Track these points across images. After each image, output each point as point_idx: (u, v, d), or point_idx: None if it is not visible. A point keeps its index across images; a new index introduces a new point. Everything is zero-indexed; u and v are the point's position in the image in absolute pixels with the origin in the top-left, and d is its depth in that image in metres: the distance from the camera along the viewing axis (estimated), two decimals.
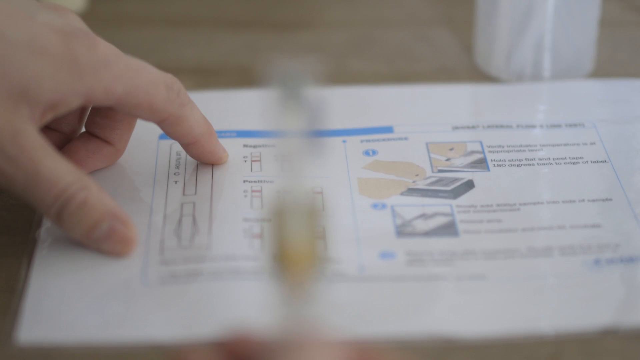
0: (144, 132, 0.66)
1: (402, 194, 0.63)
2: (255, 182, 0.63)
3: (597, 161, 0.66)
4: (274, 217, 0.40)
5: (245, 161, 0.65)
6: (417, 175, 0.65)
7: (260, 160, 0.65)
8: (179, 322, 0.53)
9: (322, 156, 0.40)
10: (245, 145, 0.67)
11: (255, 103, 0.71)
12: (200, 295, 0.55)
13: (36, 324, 0.54)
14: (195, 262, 0.57)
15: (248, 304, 0.54)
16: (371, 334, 0.53)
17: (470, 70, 0.78)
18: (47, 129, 0.60)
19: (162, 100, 0.57)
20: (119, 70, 0.56)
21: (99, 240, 0.56)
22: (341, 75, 0.77)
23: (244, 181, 0.63)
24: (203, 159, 0.62)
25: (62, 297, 0.55)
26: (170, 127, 0.59)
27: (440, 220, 0.61)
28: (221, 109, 0.69)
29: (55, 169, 0.54)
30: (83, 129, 0.63)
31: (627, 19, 0.85)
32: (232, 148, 0.66)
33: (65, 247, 0.58)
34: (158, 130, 0.64)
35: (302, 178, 0.40)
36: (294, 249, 0.40)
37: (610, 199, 0.63)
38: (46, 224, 0.60)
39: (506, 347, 0.53)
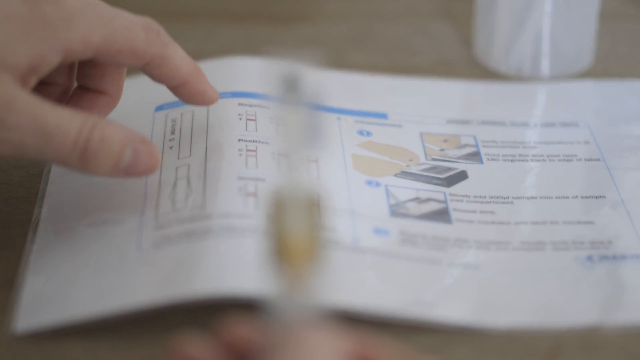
0: (141, 105, 0.66)
1: (395, 175, 0.64)
2: (250, 141, 0.62)
3: (590, 159, 0.66)
4: (272, 210, 0.40)
5: (240, 119, 0.64)
6: (410, 160, 0.65)
7: (255, 120, 0.64)
8: (173, 283, 0.53)
9: (320, 145, 0.40)
10: (240, 104, 0.66)
11: (253, 70, 0.70)
12: (194, 254, 0.54)
13: (34, 312, 0.53)
14: (189, 222, 0.57)
15: (242, 262, 0.54)
16: (358, 305, 0.53)
17: (469, 63, 0.78)
18: (43, 85, 0.60)
19: (142, 42, 0.57)
20: (91, 20, 0.55)
21: (128, 167, 0.55)
22: (339, 67, 0.76)
23: (239, 140, 0.62)
24: (194, 100, 0.61)
25: (59, 281, 0.55)
26: (156, 69, 0.58)
27: (433, 206, 0.61)
28: (216, 74, 0.68)
29: (61, 119, 0.53)
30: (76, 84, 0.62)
31: (628, 12, 0.85)
32: (226, 106, 0.65)
33: (62, 233, 0.58)
34: (154, 102, 0.64)
35: (301, 172, 0.40)
36: (293, 241, 0.40)
37: (603, 197, 0.63)
38: (44, 213, 0.59)
39: (506, 339, 0.53)
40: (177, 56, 0.59)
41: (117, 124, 0.55)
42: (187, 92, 0.60)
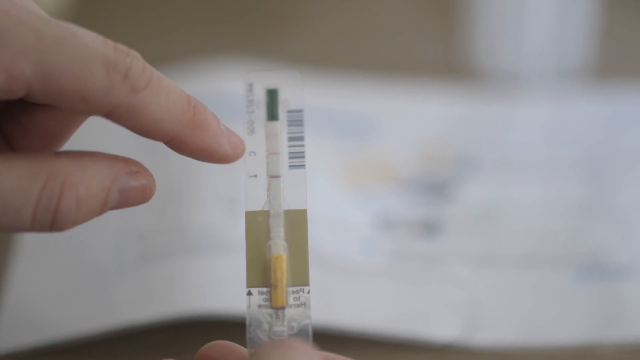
0: None
1: (385, 185, 0.63)
2: None
3: (582, 173, 0.66)
4: (253, 226, 0.40)
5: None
6: (398, 171, 0.65)
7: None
8: (153, 302, 0.53)
9: (301, 159, 0.39)
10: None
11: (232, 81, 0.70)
12: (175, 273, 0.54)
13: (13, 332, 0.53)
14: (169, 239, 0.56)
15: (223, 280, 0.53)
16: (344, 323, 0.53)
17: (455, 64, 0.78)
18: None
19: (98, 83, 0.39)
20: (23, 43, 0.38)
21: (114, 207, 0.42)
22: (323, 65, 0.76)
23: None
24: (198, 159, 0.43)
25: (38, 301, 0.54)
26: (122, 122, 0.40)
27: (423, 218, 0.61)
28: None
29: (19, 179, 0.39)
30: None
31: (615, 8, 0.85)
32: None
33: (41, 253, 0.57)
34: None
35: (281, 186, 0.39)
36: (275, 258, 0.39)
37: (596, 212, 0.62)
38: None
39: (496, 357, 0.53)
40: (157, 104, 0.41)
41: (93, 160, 0.41)
42: (181, 150, 0.42)
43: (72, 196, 0.39)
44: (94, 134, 0.54)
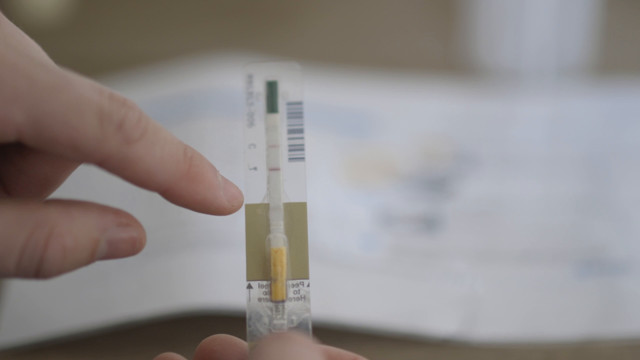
0: None
1: (385, 180, 0.63)
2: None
3: (582, 168, 0.66)
4: (253, 220, 0.40)
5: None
6: (399, 167, 0.65)
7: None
8: (154, 297, 0.53)
9: (301, 152, 0.39)
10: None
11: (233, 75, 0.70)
12: (175, 267, 0.54)
13: (15, 327, 0.53)
14: (169, 233, 0.56)
15: (223, 275, 0.53)
16: (345, 318, 0.53)
17: (455, 61, 0.78)
18: None
19: (91, 134, 0.39)
20: (16, 89, 0.38)
21: (106, 258, 0.42)
22: (326, 60, 0.76)
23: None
24: (194, 209, 0.42)
25: (40, 295, 0.54)
26: (115, 172, 0.40)
27: (423, 213, 0.61)
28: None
29: (4, 225, 0.38)
30: None
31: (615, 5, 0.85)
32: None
33: None
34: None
35: (282, 192, 0.39)
36: (274, 252, 0.39)
37: (596, 207, 0.62)
38: None
39: (495, 352, 0.53)
40: (151, 156, 0.40)
41: (83, 210, 0.40)
42: (176, 201, 0.42)
43: (58, 246, 0.39)
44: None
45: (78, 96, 0.38)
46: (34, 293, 0.55)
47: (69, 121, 0.38)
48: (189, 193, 0.41)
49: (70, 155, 0.39)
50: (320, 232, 0.58)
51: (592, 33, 0.76)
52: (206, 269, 0.53)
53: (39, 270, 0.39)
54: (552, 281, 0.57)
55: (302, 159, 0.40)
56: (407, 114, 0.70)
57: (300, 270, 0.40)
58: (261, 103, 0.40)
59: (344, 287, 0.55)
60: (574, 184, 0.64)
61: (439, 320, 0.53)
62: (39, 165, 0.42)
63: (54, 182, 0.43)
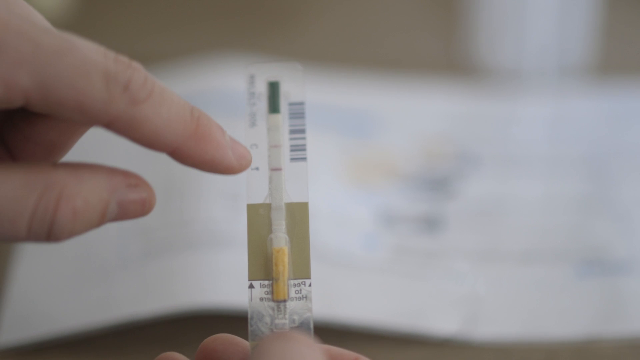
0: None
1: (387, 181, 0.63)
2: None
3: (584, 168, 0.66)
4: (256, 220, 0.40)
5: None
6: (400, 167, 0.65)
7: None
8: (156, 296, 0.53)
9: (303, 151, 0.39)
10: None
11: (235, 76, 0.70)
12: (178, 267, 0.54)
13: (16, 326, 0.53)
14: (171, 233, 0.56)
15: (226, 274, 0.53)
16: (346, 317, 0.53)
17: (457, 61, 0.78)
18: None
19: (97, 95, 0.39)
20: (21, 53, 0.38)
21: (112, 220, 0.42)
22: (327, 60, 0.76)
23: None
24: (203, 169, 0.43)
25: (42, 295, 0.54)
26: (122, 133, 0.40)
27: (424, 213, 0.61)
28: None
29: (14, 189, 0.39)
30: None
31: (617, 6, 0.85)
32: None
33: (45, 247, 0.57)
34: None
35: (284, 192, 0.39)
36: (276, 251, 0.39)
37: (597, 207, 0.62)
38: None
39: (497, 352, 0.53)
40: (158, 116, 0.40)
41: (92, 172, 0.40)
42: (185, 162, 0.42)
43: (68, 208, 0.39)
44: (98, 137, 0.54)
45: (83, 58, 0.38)
46: (36, 292, 0.55)
47: (75, 83, 0.38)
48: (198, 153, 0.41)
49: (77, 118, 0.39)
50: (322, 231, 0.58)
51: (593, 33, 0.76)
52: (208, 269, 0.53)
53: (50, 233, 0.39)
54: (553, 281, 0.56)
55: (304, 159, 0.40)
56: (409, 114, 0.70)
57: (302, 270, 0.40)
58: (263, 103, 0.40)
59: (346, 287, 0.55)
60: (576, 184, 0.64)
61: (440, 320, 0.53)
62: (45, 132, 0.42)
63: (61, 149, 0.42)
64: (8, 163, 0.39)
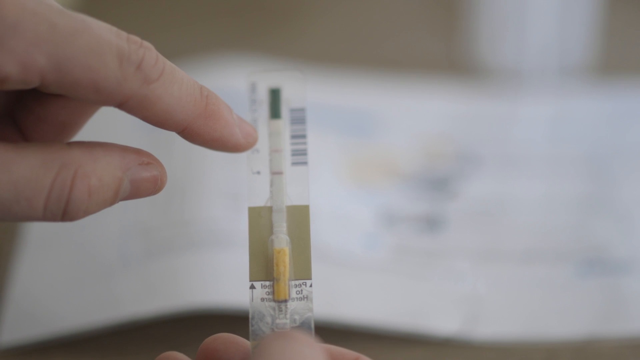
0: None
1: (387, 180, 0.63)
2: None
3: (584, 168, 0.66)
4: (257, 221, 0.40)
5: None
6: (401, 167, 0.65)
7: None
8: (157, 296, 0.53)
9: (304, 155, 0.39)
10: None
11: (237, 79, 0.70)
12: (179, 266, 0.54)
13: (18, 325, 0.53)
14: (173, 232, 0.56)
15: (227, 274, 0.53)
16: (348, 317, 0.53)
17: (458, 61, 0.78)
18: None
19: (111, 75, 0.39)
20: (36, 34, 0.38)
21: (125, 198, 0.42)
22: (328, 60, 0.76)
23: None
24: (211, 148, 0.43)
25: (43, 294, 0.54)
26: (135, 112, 0.41)
27: (425, 213, 0.61)
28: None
29: (31, 168, 0.39)
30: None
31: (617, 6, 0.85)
32: None
33: (46, 246, 0.57)
34: None
35: (285, 196, 0.40)
36: (277, 251, 0.39)
37: (598, 207, 0.62)
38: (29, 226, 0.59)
39: (498, 351, 0.53)
40: (170, 95, 0.41)
41: (105, 151, 0.41)
42: (194, 140, 0.43)
43: (84, 186, 0.39)
44: (101, 128, 0.54)
45: (98, 38, 0.39)
46: (38, 291, 0.55)
47: (90, 63, 0.39)
48: (207, 131, 0.42)
49: (92, 98, 0.39)
50: (322, 231, 0.58)
51: (594, 33, 0.76)
52: (209, 268, 0.54)
53: (65, 212, 0.39)
54: (554, 281, 0.57)
55: (305, 163, 0.40)
56: (410, 114, 0.70)
57: (303, 271, 0.40)
58: (264, 109, 0.40)
59: (347, 287, 0.55)
60: (576, 184, 0.64)
61: (441, 319, 0.54)
62: (57, 112, 0.42)
63: (72, 129, 0.43)
64: (23, 143, 0.39)
